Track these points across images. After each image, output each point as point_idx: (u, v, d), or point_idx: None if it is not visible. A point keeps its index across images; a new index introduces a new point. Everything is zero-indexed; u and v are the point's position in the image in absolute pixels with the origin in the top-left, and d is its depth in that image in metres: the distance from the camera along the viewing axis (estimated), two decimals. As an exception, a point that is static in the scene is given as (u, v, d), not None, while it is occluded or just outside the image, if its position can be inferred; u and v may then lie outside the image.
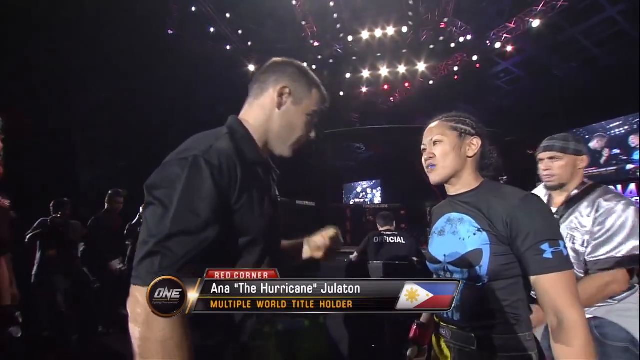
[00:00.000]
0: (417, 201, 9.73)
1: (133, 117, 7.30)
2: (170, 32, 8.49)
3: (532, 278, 0.87)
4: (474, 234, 0.94)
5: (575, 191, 1.37)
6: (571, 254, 1.30)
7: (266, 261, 0.82)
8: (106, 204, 3.96)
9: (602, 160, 7.94)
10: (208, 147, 0.72)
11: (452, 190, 1.04)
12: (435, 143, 1.02)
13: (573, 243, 1.31)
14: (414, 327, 1.27)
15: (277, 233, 0.91)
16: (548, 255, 0.84)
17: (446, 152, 1.00)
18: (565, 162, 1.38)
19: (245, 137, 0.84)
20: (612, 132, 7.92)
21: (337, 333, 2.56)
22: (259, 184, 0.82)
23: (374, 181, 13.36)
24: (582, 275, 1.29)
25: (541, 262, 0.84)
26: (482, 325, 0.91)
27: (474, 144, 1.02)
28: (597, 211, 1.28)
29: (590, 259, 1.26)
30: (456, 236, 0.98)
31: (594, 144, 7.99)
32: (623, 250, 1.21)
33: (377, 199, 13.07)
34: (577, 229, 1.31)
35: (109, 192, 4.00)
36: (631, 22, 6.97)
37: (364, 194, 13.72)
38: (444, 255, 1.00)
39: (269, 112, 0.88)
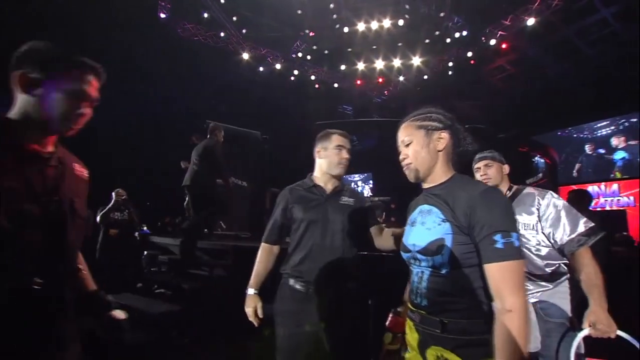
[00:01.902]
0: (407, 195, 9.81)
1: (121, 104, 7.13)
2: (162, 15, 8.27)
3: (485, 266, 0.93)
4: (439, 224, 1.01)
5: (509, 192, 1.73)
6: (530, 241, 1.59)
7: None
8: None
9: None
10: None
11: (425, 184, 1.11)
12: (406, 145, 1.09)
13: (527, 229, 1.60)
14: (390, 315, 1.37)
15: None
16: (499, 245, 0.91)
17: (417, 152, 1.07)
18: (495, 168, 1.78)
19: None
20: (599, 132, 8.09)
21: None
22: None
23: (365, 174, 13.42)
24: (555, 261, 1.57)
25: (493, 251, 0.92)
26: (446, 310, 0.98)
27: (443, 138, 1.07)
28: (538, 205, 1.59)
29: (562, 243, 1.52)
30: (424, 226, 1.05)
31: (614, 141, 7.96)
32: (580, 228, 1.50)
33: (368, 192, 13.14)
34: (528, 218, 1.61)
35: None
36: (623, 23, 7.07)
37: (355, 186, 13.79)
38: (414, 244, 1.07)
39: None
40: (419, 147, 1.07)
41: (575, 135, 8.47)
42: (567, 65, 8.30)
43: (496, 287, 0.91)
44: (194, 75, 8.30)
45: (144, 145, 7.47)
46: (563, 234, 1.51)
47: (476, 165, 1.83)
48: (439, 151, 1.07)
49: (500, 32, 8.12)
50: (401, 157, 1.11)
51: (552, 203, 1.57)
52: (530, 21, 7.48)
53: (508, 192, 1.74)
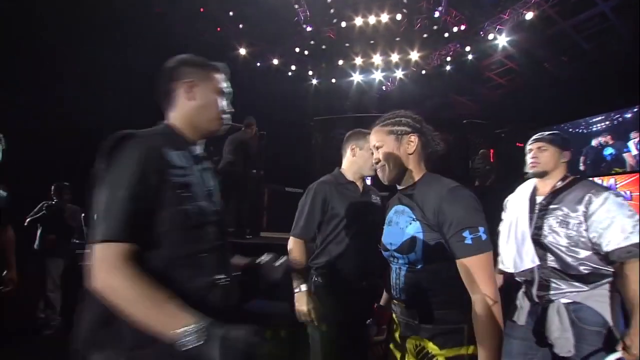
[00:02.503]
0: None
1: (114, 101, 7.07)
2: (157, 10, 8.17)
3: (457, 261, 0.99)
4: (410, 224, 1.07)
5: (560, 182, 1.50)
6: (564, 240, 1.39)
7: None
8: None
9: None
10: None
11: (399, 185, 1.17)
12: (377, 149, 1.15)
13: (564, 227, 1.40)
14: (375, 308, 1.44)
15: None
16: (468, 241, 0.96)
17: (388, 156, 1.12)
18: (550, 152, 1.53)
19: None
20: (595, 127, 8.09)
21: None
22: None
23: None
24: (586, 254, 1.36)
25: (462, 247, 0.97)
26: (422, 302, 1.05)
27: (412, 141, 1.12)
28: (588, 204, 1.36)
29: (607, 250, 1.32)
30: (398, 226, 1.12)
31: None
32: (636, 237, 1.28)
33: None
34: (569, 215, 1.40)
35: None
36: (622, 18, 7.04)
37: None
38: (390, 243, 1.14)
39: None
40: (390, 151, 1.12)
41: (571, 130, 8.47)
42: (565, 59, 8.28)
43: (469, 279, 0.97)
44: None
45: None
46: (611, 241, 1.30)
47: (529, 147, 1.59)
48: (410, 154, 1.12)
49: (498, 27, 8.07)
50: (374, 160, 1.17)
51: (607, 204, 1.33)
52: (529, 15, 7.44)
53: (560, 182, 1.49)
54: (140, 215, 0.74)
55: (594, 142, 8.25)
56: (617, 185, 7.58)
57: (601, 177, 7.76)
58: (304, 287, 1.51)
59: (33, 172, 4.01)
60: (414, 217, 1.07)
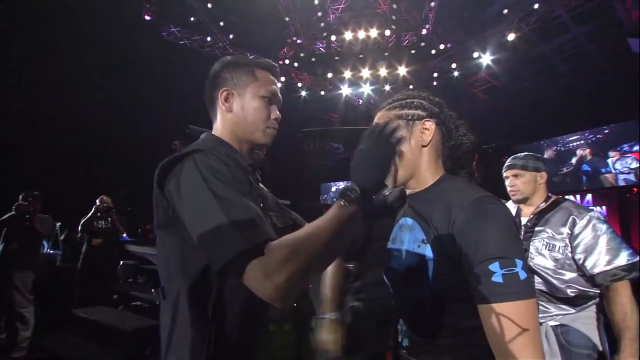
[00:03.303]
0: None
1: (103, 108, 6.91)
2: (147, 18, 8.11)
3: (479, 307, 0.67)
4: (418, 246, 0.78)
5: (543, 204, 1.50)
6: (550, 262, 1.38)
7: None
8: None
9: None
10: None
11: (408, 189, 0.86)
12: None
13: (550, 250, 1.40)
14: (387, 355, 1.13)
15: None
16: (497, 278, 0.64)
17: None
18: (526, 178, 1.52)
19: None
20: (570, 145, 8.42)
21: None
22: None
23: (350, 182, 13.51)
24: (571, 278, 1.35)
25: (488, 287, 0.65)
26: (427, 352, 0.78)
27: (427, 129, 0.82)
28: (572, 226, 1.37)
29: (592, 273, 1.31)
30: (403, 247, 0.83)
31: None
32: (621, 260, 1.28)
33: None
34: (554, 238, 1.40)
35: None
36: (594, 42, 7.44)
37: (339, 191, 13.80)
38: (394, 269, 0.86)
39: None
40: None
41: (553, 147, 8.76)
42: (543, 79, 8.63)
43: (496, 340, 0.64)
44: (178, 79, 8.16)
45: (125, 149, 7.24)
46: (596, 264, 1.29)
47: (505, 174, 1.58)
48: (424, 146, 0.82)
49: (482, 46, 8.38)
50: None
51: (591, 226, 1.33)
52: (511, 36, 7.76)
53: (543, 203, 1.49)
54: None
55: (573, 160, 8.56)
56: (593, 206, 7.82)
57: (579, 193, 8.05)
58: (334, 315, 1.25)
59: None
60: (424, 237, 0.77)
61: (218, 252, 0.63)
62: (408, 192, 0.86)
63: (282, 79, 10.04)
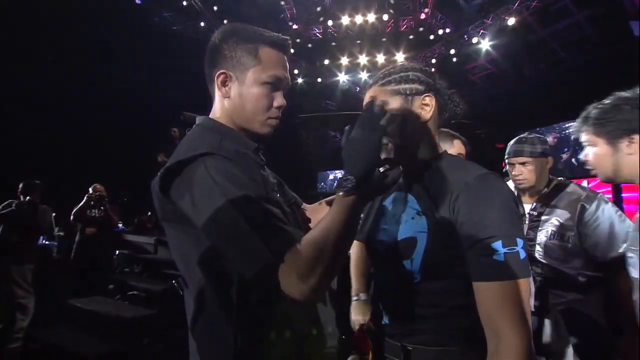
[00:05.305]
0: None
1: (96, 95, 6.76)
2: (137, 2, 7.86)
3: (475, 284, 0.67)
4: (412, 218, 0.75)
5: (546, 189, 1.45)
6: (560, 251, 1.36)
7: None
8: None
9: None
10: None
11: (406, 164, 0.82)
12: None
13: (560, 239, 1.37)
14: (357, 331, 1.19)
15: None
16: (499, 257, 0.64)
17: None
18: (535, 165, 1.43)
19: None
20: (566, 132, 8.41)
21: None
22: None
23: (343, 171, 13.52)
24: (571, 272, 1.34)
25: (489, 265, 0.65)
26: (413, 333, 0.74)
27: (428, 104, 0.79)
28: (582, 214, 1.33)
29: (605, 259, 1.29)
30: (394, 219, 0.80)
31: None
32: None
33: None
34: (563, 226, 1.36)
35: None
36: (596, 28, 7.33)
37: (337, 182, 13.80)
38: (380, 241, 0.83)
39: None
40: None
41: (550, 134, 8.75)
42: (542, 66, 8.54)
43: (489, 315, 0.65)
44: (171, 65, 7.98)
45: (119, 137, 7.12)
46: (607, 250, 1.27)
47: (510, 160, 1.47)
48: (424, 122, 0.79)
49: (482, 31, 8.24)
50: None
51: (600, 211, 1.29)
52: (511, 21, 7.63)
53: (545, 188, 1.44)
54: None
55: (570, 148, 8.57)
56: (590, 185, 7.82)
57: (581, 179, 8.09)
58: (363, 296, 1.29)
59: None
60: (419, 209, 0.75)
61: (247, 265, 0.63)
62: (404, 167, 0.80)
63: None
